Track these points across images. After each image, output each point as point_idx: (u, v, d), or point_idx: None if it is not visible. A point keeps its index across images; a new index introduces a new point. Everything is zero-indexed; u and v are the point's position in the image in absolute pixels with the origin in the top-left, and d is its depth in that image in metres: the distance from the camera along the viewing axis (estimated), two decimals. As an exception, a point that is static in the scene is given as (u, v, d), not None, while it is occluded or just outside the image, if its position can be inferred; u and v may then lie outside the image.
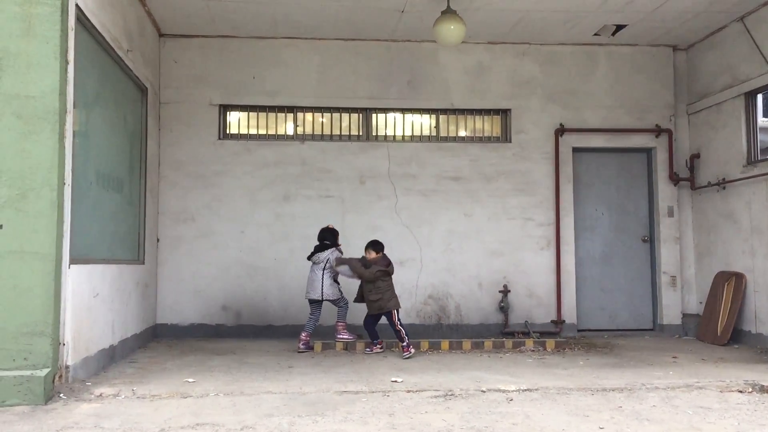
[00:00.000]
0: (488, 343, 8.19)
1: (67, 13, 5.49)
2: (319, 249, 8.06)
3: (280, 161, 9.28)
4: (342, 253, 8.15)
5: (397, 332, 7.54)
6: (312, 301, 8.03)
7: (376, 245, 7.86)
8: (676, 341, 8.97)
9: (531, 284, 9.43)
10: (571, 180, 9.62)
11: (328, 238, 8.12)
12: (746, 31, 8.52)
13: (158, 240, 9.02)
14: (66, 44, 5.47)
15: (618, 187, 9.86)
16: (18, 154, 5.25)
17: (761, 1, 8.14)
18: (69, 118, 5.52)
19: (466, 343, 8.14)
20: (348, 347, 7.96)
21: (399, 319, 7.62)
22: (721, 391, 5.61)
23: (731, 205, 8.86)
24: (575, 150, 9.68)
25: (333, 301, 8.08)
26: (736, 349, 8.21)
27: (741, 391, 5.62)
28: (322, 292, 7.93)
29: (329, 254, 7.97)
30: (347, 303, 8.17)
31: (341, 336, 8.07)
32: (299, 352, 7.72)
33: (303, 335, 7.84)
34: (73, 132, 5.66)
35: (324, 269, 7.94)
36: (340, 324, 8.15)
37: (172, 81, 9.22)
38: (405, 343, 7.48)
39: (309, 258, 8.09)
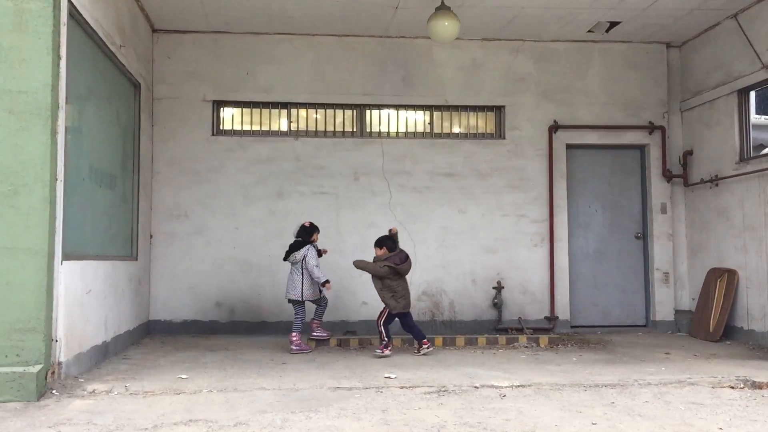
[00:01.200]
0: (482, 340, 8.21)
1: (60, 9, 5.47)
2: (293, 248, 7.75)
3: (274, 157, 9.26)
4: (317, 248, 7.85)
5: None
6: (293, 302, 7.77)
7: (378, 242, 7.60)
8: (669, 337, 9.01)
9: (525, 281, 9.44)
10: (564, 177, 9.63)
11: (301, 235, 7.78)
12: (739, 29, 8.54)
13: (151, 236, 9.00)
14: (58, 39, 5.45)
15: (611, 183, 9.88)
16: (10, 149, 5.23)
17: (754, -1, 8.17)
18: (61, 114, 5.49)
19: (460, 340, 8.16)
20: (319, 344, 7.89)
21: (384, 320, 7.38)
22: (713, 387, 5.63)
23: (724, 202, 8.88)
24: (569, 147, 9.69)
25: (313, 301, 7.82)
26: (729, 345, 8.25)
27: (733, 387, 5.65)
28: (302, 293, 7.65)
29: (305, 252, 7.64)
30: (327, 302, 7.96)
31: (315, 333, 7.88)
32: (292, 353, 7.51)
33: (293, 337, 7.57)
34: (66, 128, 5.64)
35: (302, 268, 7.66)
36: (315, 322, 7.90)
37: (165, 76, 9.19)
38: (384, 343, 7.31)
39: (285, 259, 7.84)
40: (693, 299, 9.51)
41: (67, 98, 5.65)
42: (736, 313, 8.56)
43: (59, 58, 5.47)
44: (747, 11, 8.41)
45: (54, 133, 5.34)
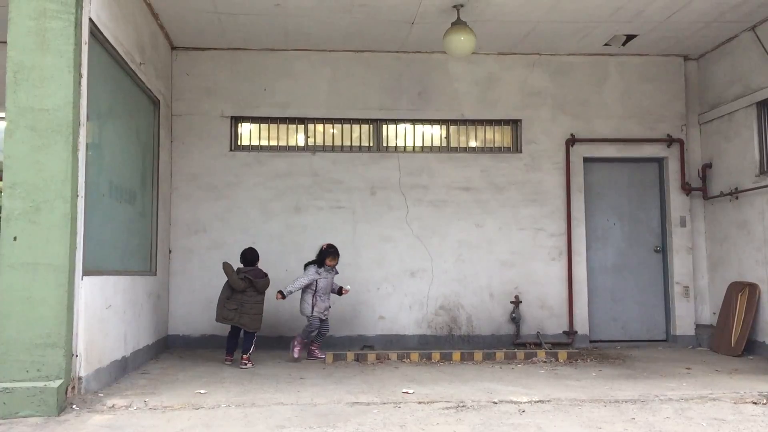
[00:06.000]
0: (500, 354, 8.16)
1: (81, 27, 5.56)
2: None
3: (291, 172, 9.31)
4: (321, 275, 8.07)
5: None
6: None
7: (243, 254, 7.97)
8: (690, 352, 8.91)
9: (543, 295, 9.39)
10: (582, 190, 9.59)
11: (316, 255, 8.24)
12: (758, 41, 8.49)
13: (170, 251, 9.06)
14: (79, 58, 5.53)
15: (630, 197, 9.83)
16: (32, 166, 5.30)
17: (772, 11, 8.12)
18: (82, 131, 5.57)
19: (478, 354, 8.11)
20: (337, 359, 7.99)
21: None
22: (735, 403, 5.56)
23: (744, 215, 8.80)
24: (586, 160, 9.66)
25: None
26: (751, 360, 8.14)
27: (755, 403, 5.57)
28: (299, 309, 8.26)
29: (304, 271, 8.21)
30: (311, 324, 8.10)
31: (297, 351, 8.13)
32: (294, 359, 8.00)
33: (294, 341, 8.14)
34: (87, 144, 5.71)
35: (311, 287, 8.11)
36: (297, 338, 8.20)
37: (184, 93, 9.29)
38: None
39: None
40: (714, 313, 9.40)
41: (88, 115, 5.72)
42: (758, 328, 8.45)
43: (80, 76, 5.55)
44: (765, 23, 8.36)
45: (75, 149, 5.41)
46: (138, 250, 7.69)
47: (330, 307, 8.23)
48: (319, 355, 8.16)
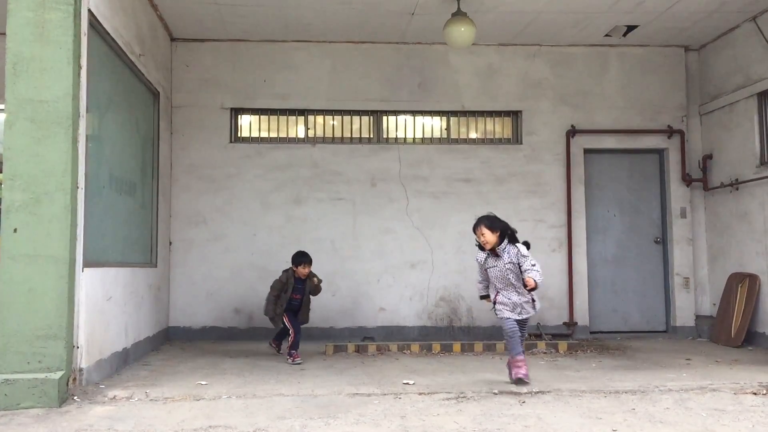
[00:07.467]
0: (500, 346, 8.16)
1: (80, 18, 5.54)
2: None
3: (292, 164, 9.30)
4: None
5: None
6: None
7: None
8: (690, 343, 8.92)
9: (543, 286, 9.22)
10: (582, 181, 9.58)
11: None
12: (759, 31, 8.47)
13: (171, 243, 9.06)
14: (79, 49, 5.51)
15: (630, 188, 9.82)
16: (32, 158, 5.29)
17: (774, 1, 8.09)
18: (82, 123, 5.56)
19: (478, 345, 8.13)
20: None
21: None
22: (735, 393, 5.57)
23: (745, 206, 8.80)
24: (587, 151, 9.64)
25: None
26: (750, 350, 8.15)
27: (755, 393, 5.57)
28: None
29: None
30: (504, 329, 6.02)
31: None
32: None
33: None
34: (86, 136, 5.70)
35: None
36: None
37: (183, 85, 9.27)
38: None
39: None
40: (714, 304, 9.41)
41: (87, 107, 5.71)
42: (758, 319, 8.46)
43: (80, 67, 5.54)
44: (766, 14, 8.33)
45: (75, 141, 5.41)
46: (138, 242, 7.69)
47: (525, 303, 6.05)
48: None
